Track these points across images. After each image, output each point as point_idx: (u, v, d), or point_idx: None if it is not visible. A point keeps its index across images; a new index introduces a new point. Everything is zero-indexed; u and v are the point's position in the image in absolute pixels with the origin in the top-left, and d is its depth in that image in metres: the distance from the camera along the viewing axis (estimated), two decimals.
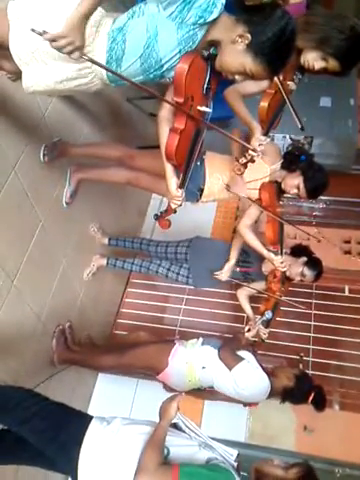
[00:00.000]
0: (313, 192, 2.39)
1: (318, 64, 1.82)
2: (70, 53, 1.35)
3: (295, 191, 2.39)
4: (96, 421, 1.70)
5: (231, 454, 1.63)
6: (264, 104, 1.93)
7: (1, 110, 2.05)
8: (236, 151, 2.26)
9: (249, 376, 2.48)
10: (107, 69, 1.45)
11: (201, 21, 1.35)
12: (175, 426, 1.70)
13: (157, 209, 3.74)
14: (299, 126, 2.01)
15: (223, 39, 1.40)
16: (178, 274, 3.05)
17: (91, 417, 1.73)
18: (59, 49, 1.33)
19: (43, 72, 1.48)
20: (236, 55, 1.39)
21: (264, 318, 2.69)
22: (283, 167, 2.43)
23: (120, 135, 3.31)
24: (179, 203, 1.80)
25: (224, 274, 2.81)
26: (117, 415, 1.77)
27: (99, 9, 1.44)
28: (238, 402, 2.76)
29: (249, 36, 1.34)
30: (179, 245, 3.09)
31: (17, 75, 1.85)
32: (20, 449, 1.84)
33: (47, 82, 1.50)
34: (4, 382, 2.23)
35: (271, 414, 3.17)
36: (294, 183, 2.36)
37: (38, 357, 2.69)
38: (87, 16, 1.34)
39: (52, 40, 1.31)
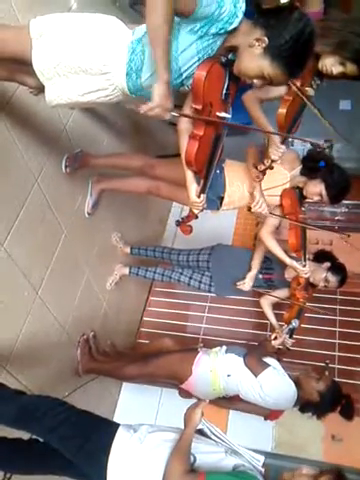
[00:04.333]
0: (336, 198, 2.37)
1: (336, 69, 1.80)
2: (162, 116, 1.42)
3: (318, 198, 2.36)
4: (123, 429, 1.70)
5: (258, 460, 1.61)
6: (282, 111, 1.92)
7: (24, 123, 2.10)
8: (251, 161, 2.27)
9: (276, 382, 2.46)
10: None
11: (222, 31, 1.36)
12: (201, 432, 1.69)
13: (178, 217, 3.72)
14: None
15: (241, 44, 1.40)
16: (200, 282, 3.04)
17: (118, 425, 1.73)
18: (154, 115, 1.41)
19: (65, 86, 1.50)
20: (254, 59, 1.38)
21: (290, 326, 2.66)
22: (303, 174, 2.41)
23: (140, 144, 3.34)
24: (200, 208, 1.81)
25: (246, 284, 2.79)
26: (143, 423, 1.77)
27: (119, 21, 1.47)
28: (259, 414, 2.73)
29: (266, 39, 1.33)
30: (201, 253, 3.09)
31: (39, 90, 1.90)
32: (49, 458, 1.85)
33: (69, 95, 1.53)
34: (31, 391, 2.26)
35: (297, 423, 3.11)
36: (316, 190, 2.34)
37: (63, 366, 2.72)
38: (169, 78, 1.37)
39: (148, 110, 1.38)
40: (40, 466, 1.97)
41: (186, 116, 1.50)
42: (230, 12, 1.32)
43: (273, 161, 2.10)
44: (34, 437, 1.93)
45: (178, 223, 1.98)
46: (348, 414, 2.47)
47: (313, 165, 2.37)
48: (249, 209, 2.34)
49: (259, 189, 2.28)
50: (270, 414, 2.72)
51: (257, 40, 1.35)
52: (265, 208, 2.29)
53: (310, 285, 2.70)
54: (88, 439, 1.65)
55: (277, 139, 2.01)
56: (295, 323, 2.66)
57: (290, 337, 2.71)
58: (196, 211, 1.83)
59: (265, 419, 2.78)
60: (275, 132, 1.99)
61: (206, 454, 1.57)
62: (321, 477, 1.51)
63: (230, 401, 2.73)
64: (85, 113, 2.62)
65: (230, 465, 1.55)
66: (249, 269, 2.80)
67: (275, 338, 2.72)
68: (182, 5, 1.27)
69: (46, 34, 1.44)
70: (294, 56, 1.36)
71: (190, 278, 3.06)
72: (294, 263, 2.49)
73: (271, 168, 2.15)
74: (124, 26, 1.48)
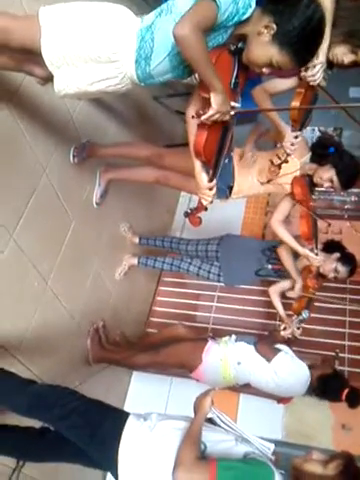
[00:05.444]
0: (347, 183, 2.35)
1: (348, 58, 1.77)
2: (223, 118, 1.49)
3: (329, 184, 2.34)
4: (133, 417, 1.71)
5: (268, 448, 1.61)
6: (296, 104, 1.90)
7: (31, 114, 2.09)
8: (249, 145, 2.27)
9: (289, 366, 2.49)
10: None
11: (236, 21, 1.35)
12: (211, 421, 1.69)
13: (186, 207, 3.74)
14: None
15: (250, 32, 1.38)
16: (209, 272, 3.03)
17: (128, 413, 1.74)
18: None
19: (74, 75, 1.49)
20: (262, 47, 1.37)
21: (301, 317, 2.65)
22: (313, 161, 2.39)
23: (148, 134, 3.32)
24: (210, 199, 1.79)
25: (296, 294, 2.70)
26: (153, 411, 1.78)
27: (127, 10, 1.46)
28: (272, 398, 2.75)
29: (274, 26, 1.32)
30: (209, 243, 3.08)
31: (46, 80, 1.89)
32: (61, 446, 1.88)
33: (78, 85, 1.52)
34: (41, 381, 2.28)
35: (307, 412, 3.13)
36: (327, 176, 2.32)
37: (74, 356, 2.74)
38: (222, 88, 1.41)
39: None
40: (52, 454, 2.00)
41: (244, 112, 1.52)
42: (244, 3, 1.32)
43: (288, 155, 2.09)
44: (46, 425, 1.95)
45: (187, 214, 1.97)
46: (354, 401, 2.48)
47: (323, 151, 2.36)
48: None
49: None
50: (282, 397, 2.75)
51: (265, 27, 1.34)
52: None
53: (319, 275, 2.68)
54: (98, 428, 1.67)
55: (289, 134, 2.00)
56: (305, 314, 2.64)
57: (298, 328, 2.70)
58: (205, 202, 1.81)
59: (278, 402, 2.80)
60: (282, 108, 1.98)
61: (216, 442, 1.58)
62: (331, 462, 1.50)
63: (241, 386, 2.75)
64: (92, 103, 2.60)
65: (241, 453, 1.55)
66: (276, 270, 2.76)
67: (284, 329, 2.72)
68: (209, 24, 1.31)
69: (56, 22, 1.43)
70: (303, 43, 1.35)
71: (199, 268, 3.05)
72: (307, 251, 2.47)
73: (286, 162, 2.14)
74: (132, 14, 1.47)
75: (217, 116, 1.46)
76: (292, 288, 2.77)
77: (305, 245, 2.46)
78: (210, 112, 1.44)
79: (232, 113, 1.49)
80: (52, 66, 1.49)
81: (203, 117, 1.46)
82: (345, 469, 1.46)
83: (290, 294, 2.72)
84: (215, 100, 1.41)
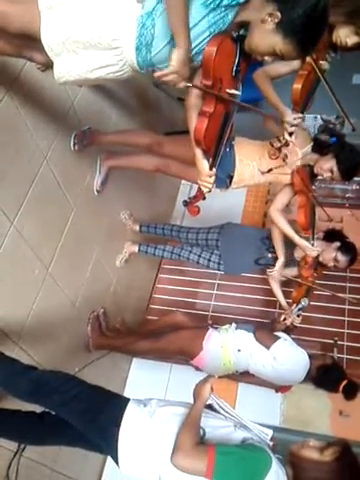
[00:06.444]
0: (347, 174, 2.35)
1: (351, 40, 1.75)
2: (176, 83, 1.41)
3: (328, 175, 2.34)
4: (133, 403, 1.73)
5: (266, 434, 1.63)
6: (298, 86, 1.89)
7: (32, 101, 2.08)
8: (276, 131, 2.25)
9: (288, 351, 2.51)
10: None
11: (234, 3, 1.32)
12: (210, 407, 1.71)
13: (187, 195, 3.73)
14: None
15: (253, 19, 1.36)
16: (209, 261, 3.04)
17: (128, 399, 1.76)
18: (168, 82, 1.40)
19: (74, 62, 1.48)
20: (265, 35, 1.35)
21: (300, 306, 2.67)
22: (314, 150, 2.38)
23: (148, 120, 3.31)
24: (210, 186, 1.78)
25: (276, 272, 2.73)
26: (153, 397, 1.80)
27: None
28: (271, 387, 2.77)
29: (279, 14, 1.29)
30: (210, 231, 3.08)
31: (46, 66, 1.88)
32: (61, 430, 1.89)
33: (78, 71, 1.50)
34: (42, 367, 2.30)
35: (305, 399, 3.16)
36: (327, 166, 2.32)
37: (74, 343, 2.76)
38: (187, 45, 1.34)
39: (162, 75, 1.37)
40: (52, 437, 2.02)
41: (198, 88, 1.47)
42: None
43: (290, 134, 2.07)
44: (47, 410, 1.98)
45: (185, 203, 1.96)
46: (350, 394, 2.51)
47: (324, 141, 2.35)
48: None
49: None
50: (281, 386, 2.77)
51: (269, 15, 1.31)
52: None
53: (319, 264, 2.69)
54: (99, 413, 1.68)
55: (290, 115, 1.99)
56: (305, 302, 2.65)
57: (298, 316, 2.72)
58: (205, 190, 1.80)
59: (276, 391, 2.83)
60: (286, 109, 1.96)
61: (215, 428, 1.59)
62: (328, 449, 1.52)
63: (241, 375, 2.78)
64: (93, 89, 2.59)
65: (239, 438, 1.57)
66: (275, 258, 2.76)
67: (284, 319, 2.73)
68: None
69: (55, 7, 1.41)
70: (307, 32, 1.32)
71: (199, 256, 3.06)
72: (303, 241, 2.48)
73: (287, 145, 2.13)
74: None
75: (173, 77, 1.38)
76: (293, 277, 2.78)
77: (302, 235, 2.47)
78: (168, 69, 1.36)
79: (189, 84, 1.42)
80: (52, 53, 1.47)
81: (157, 74, 1.39)
82: (341, 456, 1.48)
83: (271, 271, 2.73)
84: (176, 56, 1.33)
